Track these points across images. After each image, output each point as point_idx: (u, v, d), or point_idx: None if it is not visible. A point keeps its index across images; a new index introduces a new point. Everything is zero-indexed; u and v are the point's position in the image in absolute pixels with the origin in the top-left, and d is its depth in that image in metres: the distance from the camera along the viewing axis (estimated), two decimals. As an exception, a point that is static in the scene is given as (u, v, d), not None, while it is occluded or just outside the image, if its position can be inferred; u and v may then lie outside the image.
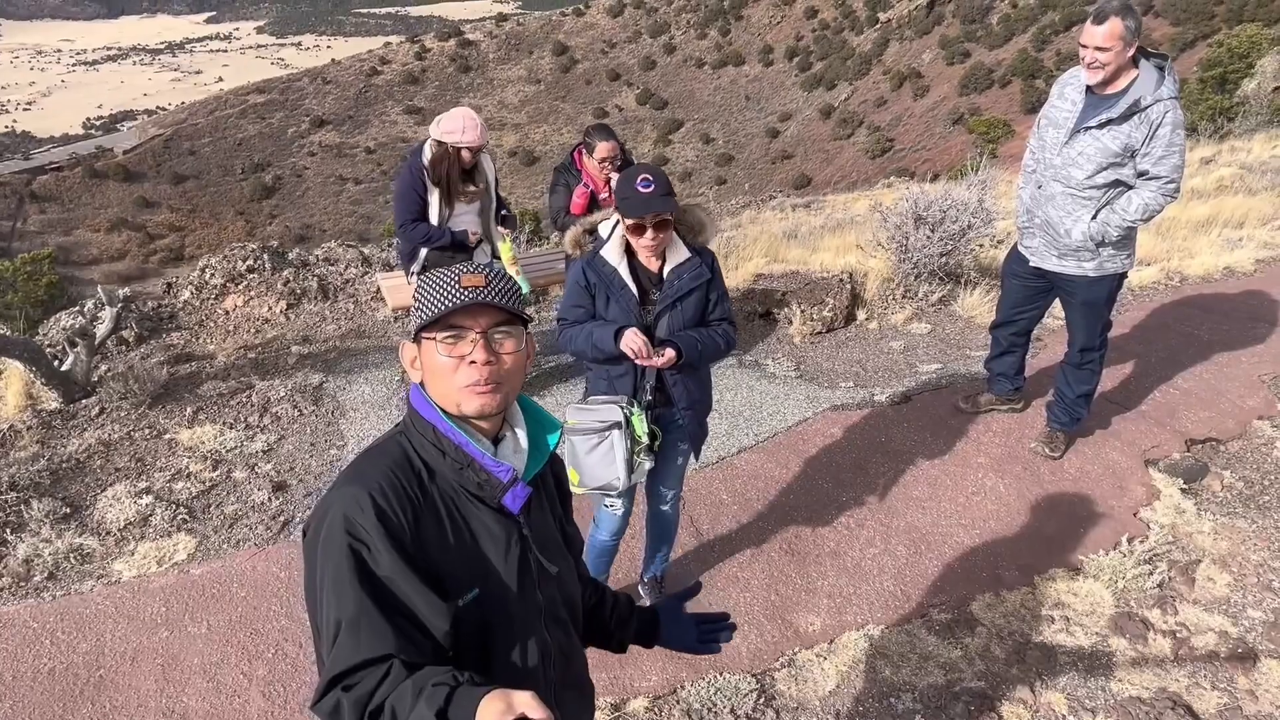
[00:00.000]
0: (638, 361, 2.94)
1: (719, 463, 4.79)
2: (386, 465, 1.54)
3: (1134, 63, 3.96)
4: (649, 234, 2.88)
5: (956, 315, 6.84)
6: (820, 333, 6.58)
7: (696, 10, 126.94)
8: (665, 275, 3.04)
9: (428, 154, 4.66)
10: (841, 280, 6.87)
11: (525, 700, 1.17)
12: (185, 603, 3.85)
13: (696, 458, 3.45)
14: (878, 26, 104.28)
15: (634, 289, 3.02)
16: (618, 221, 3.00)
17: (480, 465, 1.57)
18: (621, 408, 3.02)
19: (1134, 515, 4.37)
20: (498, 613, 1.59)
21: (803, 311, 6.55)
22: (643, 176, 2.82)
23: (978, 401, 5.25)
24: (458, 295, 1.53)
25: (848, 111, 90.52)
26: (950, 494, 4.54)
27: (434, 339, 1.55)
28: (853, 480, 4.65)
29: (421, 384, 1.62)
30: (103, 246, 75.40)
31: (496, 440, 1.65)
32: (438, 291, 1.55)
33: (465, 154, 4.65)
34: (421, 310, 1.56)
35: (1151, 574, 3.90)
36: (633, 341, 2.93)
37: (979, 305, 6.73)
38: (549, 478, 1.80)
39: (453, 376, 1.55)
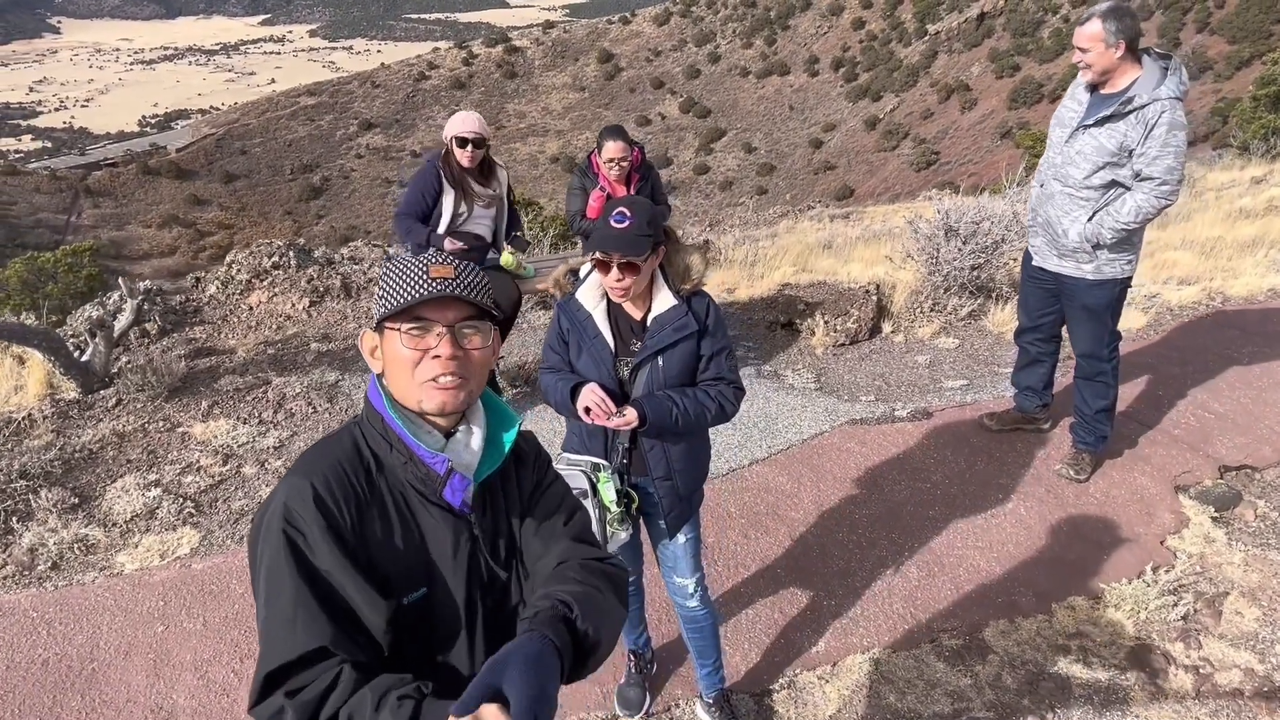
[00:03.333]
0: (595, 421, 2.56)
1: (728, 474, 4.68)
2: (334, 456, 1.49)
3: (1139, 63, 3.94)
4: (613, 273, 2.51)
5: (986, 330, 6.66)
6: (843, 344, 6.44)
7: (743, 20, 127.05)
8: (648, 324, 2.66)
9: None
10: (868, 291, 6.72)
11: (493, 713, 1.13)
12: (183, 598, 3.83)
13: (670, 537, 2.90)
14: (926, 38, 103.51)
15: (608, 338, 2.65)
16: None
17: (419, 458, 1.50)
18: (586, 473, 2.67)
19: (1161, 543, 4.19)
20: (442, 613, 1.52)
21: (826, 322, 6.42)
22: (619, 210, 2.48)
23: (1003, 419, 5.09)
24: (425, 285, 1.45)
25: (893, 123, 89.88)
26: (968, 515, 4.38)
27: (397, 329, 1.47)
28: (866, 497, 4.52)
29: (380, 374, 1.56)
30: (153, 242, 77.06)
31: (449, 436, 1.56)
32: (405, 279, 1.47)
33: (470, 150, 4.68)
34: (386, 297, 1.48)
35: (1176, 605, 3.72)
36: (589, 400, 2.55)
37: (1010, 320, 6.54)
38: (513, 479, 1.70)
39: (414, 370, 1.48)
